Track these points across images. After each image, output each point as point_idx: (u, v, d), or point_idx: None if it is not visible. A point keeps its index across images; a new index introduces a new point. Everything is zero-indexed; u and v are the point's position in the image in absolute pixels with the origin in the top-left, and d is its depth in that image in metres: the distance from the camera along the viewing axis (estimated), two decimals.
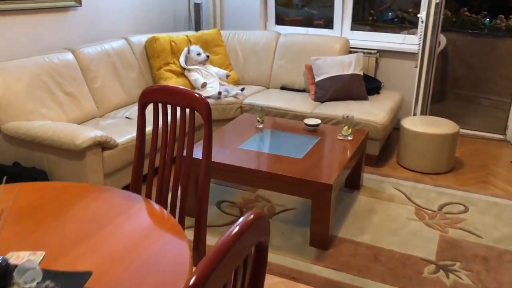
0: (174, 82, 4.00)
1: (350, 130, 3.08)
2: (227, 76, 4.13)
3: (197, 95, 1.66)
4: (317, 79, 4.03)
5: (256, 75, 4.46)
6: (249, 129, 3.25)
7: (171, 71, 4.04)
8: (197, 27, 4.83)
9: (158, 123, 1.80)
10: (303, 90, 4.27)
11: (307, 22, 4.95)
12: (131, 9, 4.27)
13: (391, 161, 3.86)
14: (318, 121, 3.24)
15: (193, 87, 4.05)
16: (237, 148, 2.90)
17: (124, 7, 4.18)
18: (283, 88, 4.34)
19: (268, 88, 4.43)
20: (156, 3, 4.57)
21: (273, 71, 4.42)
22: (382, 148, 3.89)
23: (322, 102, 3.96)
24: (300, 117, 3.77)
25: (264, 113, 3.28)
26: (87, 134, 2.72)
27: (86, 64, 3.49)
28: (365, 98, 3.97)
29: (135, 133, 2.14)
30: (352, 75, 3.95)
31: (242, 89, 4.09)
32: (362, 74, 4.01)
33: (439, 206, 3.11)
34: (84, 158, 2.71)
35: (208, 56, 4.11)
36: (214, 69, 4.16)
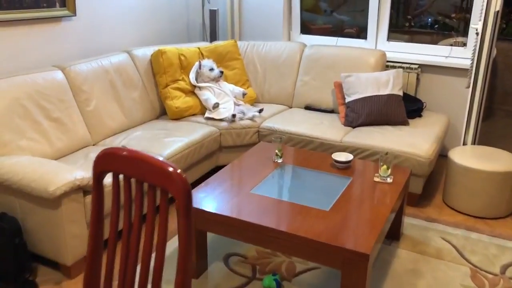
0: (182, 102, 3.48)
1: (389, 170, 2.49)
2: (244, 94, 3.58)
3: (170, 168, 1.11)
4: (348, 99, 3.44)
5: (277, 92, 3.90)
6: (265, 164, 2.70)
7: (179, 89, 3.52)
8: (213, 38, 4.30)
9: (119, 203, 1.26)
10: (331, 111, 3.68)
11: (337, 31, 4.36)
12: (136, 18, 3.77)
13: (436, 199, 3.24)
14: (350, 157, 2.66)
15: (205, 108, 3.52)
16: (248, 194, 2.35)
17: (127, 15, 3.69)
18: (308, 108, 3.77)
19: (291, 108, 3.87)
20: (166, 10, 4.06)
21: (297, 88, 3.85)
22: (425, 182, 3.28)
23: (353, 127, 3.37)
24: (327, 146, 3.19)
25: (283, 143, 2.72)
26: (64, 176, 2.21)
27: (78, 84, 3.00)
28: (405, 123, 3.36)
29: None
30: (390, 95, 3.35)
31: (260, 111, 3.54)
32: (401, 94, 3.40)
33: (502, 267, 2.48)
34: (60, 206, 2.21)
35: (221, 72, 3.57)
36: (229, 87, 3.62)
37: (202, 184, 2.43)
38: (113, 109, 3.19)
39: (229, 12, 4.38)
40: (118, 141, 3.05)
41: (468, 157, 3.02)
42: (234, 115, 3.37)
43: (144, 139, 3.05)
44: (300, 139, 3.28)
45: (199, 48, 3.76)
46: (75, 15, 3.22)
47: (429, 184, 3.45)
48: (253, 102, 3.82)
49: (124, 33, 3.68)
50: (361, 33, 4.16)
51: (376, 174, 2.56)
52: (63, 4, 3.15)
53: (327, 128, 3.31)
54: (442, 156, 3.81)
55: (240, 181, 2.48)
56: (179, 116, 3.48)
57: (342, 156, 2.68)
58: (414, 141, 3.05)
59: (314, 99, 3.76)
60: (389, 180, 2.50)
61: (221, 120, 3.39)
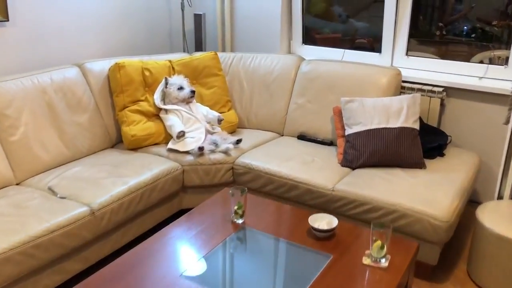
0: (140, 128, 2.82)
1: (385, 249, 1.75)
2: (220, 120, 2.88)
3: None
4: (348, 131, 2.70)
5: (266, 117, 3.18)
6: (219, 226, 2.00)
7: (140, 112, 2.86)
8: (198, 48, 3.63)
9: None
10: (330, 143, 2.94)
11: (347, 41, 3.60)
12: (102, 25, 3.14)
13: (457, 270, 2.45)
14: (333, 223, 1.93)
15: (171, 136, 2.84)
16: (176, 279, 1.65)
17: (88, 22, 3.06)
18: (301, 137, 3.04)
19: (282, 136, 3.14)
20: (142, 15, 3.41)
21: (290, 112, 3.12)
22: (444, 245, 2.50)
23: (352, 169, 2.62)
24: (315, 194, 2.46)
25: (244, 200, 2.01)
26: None
27: (0, 107, 2.38)
28: (421, 166, 2.58)
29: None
30: (402, 129, 2.58)
31: (238, 141, 2.83)
32: (417, 127, 2.62)
33: None
34: None
35: (193, 92, 2.89)
36: (202, 110, 2.93)
37: (117, 260, 1.75)
38: (48, 138, 2.56)
39: (219, 17, 3.70)
40: (47, 180, 2.41)
41: (504, 219, 2.23)
42: (201, 148, 2.68)
43: (79, 179, 2.40)
44: (282, 182, 2.56)
45: (170, 62, 3.09)
46: (8, 20, 2.60)
47: (449, 247, 2.66)
48: (235, 128, 3.12)
49: (82, 44, 3.05)
50: (375, 44, 3.39)
51: (366, 252, 1.82)
52: None
53: (318, 169, 2.57)
54: (471, 202, 3.00)
55: (170, 257, 1.79)
56: (136, 145, 2.82)
57: (323, 221, 1.95)
58: (431, 194, 2.27)
59: (310, 127, 3.02)
60: (383, 263, 1.75)
61: (186, 152, 2.71)
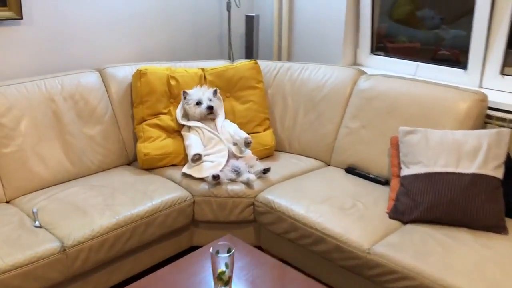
0: (156, 146, 2.44)
1: None
2: (247, 143, 2.40)
3: None
4: (404, 171, 2.07)
5: (311, 141, 2.64)
6: None
7: (159, 126, 2.48)
8: (249, 54, 3.18)
9: None
10: (385, 182, 2.32)
11: (427, 52, 2.91)
12: (130, 23, 2.83)
13: None
14: None
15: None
16: None
17: (116, 18, 2.75)
18: (350, 171, 2.45)
19: (328, 166, 2.58)
20: (183, 13, 3.05)
21: (339, 138, 2.55)
22: None
23: (404, 223, 1.99)
24: (346, 254, 1.88)
25: (231, 262, 1.52)
26: None
27: None
28: (500, 230, 1.88)
29: None
30: (477, 176, 1.90)
31: (265, 171, 2.33)
32: (499, 176, 1.92)
33: None
34: None
35: (210, 108, 2.44)
36: (230, 128, 2.47)
37: None
38: (50, 152, 2.28)
39: (276, 19, 3.21)
40: (38, 201, 2.12)
41: None
42: (215, 176, 2.22)
43: (69, 203, 2.07)
44: (307, 231, 2.01)
45: (203, 70, 2.67)
46: (21, 18, 2.36)
47: None
48: (271, 152, 2.61)
49: (109, 46, 2.75)
50: (462, 57, 2.67)
51: None
52: (3, 3, 2.31)
53: (357, 219, 1.98)
54: None
55: None
56: (150, 165, 2.44)
57: None
58: (508, 279, 1.59)
59: (362, 159, 2.42)
60: None
61: (201, 179, 2.27)
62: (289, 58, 3.26)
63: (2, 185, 2.15)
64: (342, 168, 2.51)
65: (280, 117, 2.72)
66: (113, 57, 2.77)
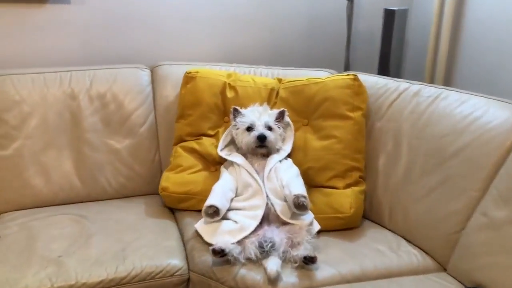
0: (182, 180, 1.73)
1: None
2: (298, 205, 1.48)
3: None
4: None
5: (424, 220, 1.55)
6: None
7: (196, 153, 1.78)
8: (384, 67, 2.19)
9: None
10: None
11: None
12: (215, 14, 2.17)
13: None
14: None
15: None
16: None
17: (196, 9, 2.13)
18: None
19: (442, 272, 1.47)
20: (293, 7, 2.25)
21: (469, 230, 1.41)
22: None
23: None
24: None
25: None
26: None
27: None
28: None
29: None
30: None
31: (307, 260, 1.39)
32: None
33: None
34: None
35: (261, 139, 1.60)
36: (284, 174, 1.60)
37: None
38: (56, 162, 1.81)
39: (436, 19, 2.13)
40: (17, 222, 1.66)
41: None
42: (217, 251, 1.39)
43: (29, 238, 1.55)
44: None
45: (279, 81, 1.84)
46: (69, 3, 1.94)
47: None
48: (350, 223, 1.62)
49: (181, 40, 2.16)
50: None
51: None
52: None
53: None
54: None
55: None
56: (170, 204, 1.76)
57: None
58: None
59: (501, 279, 1.26)
60: None
61: (209, 245, 1.47)
62: (447, 82, 2.14)
63: None
64: (461, 284, 1.38)
65: (384, 168, 1.69)
66: (183, 54, 2.15)
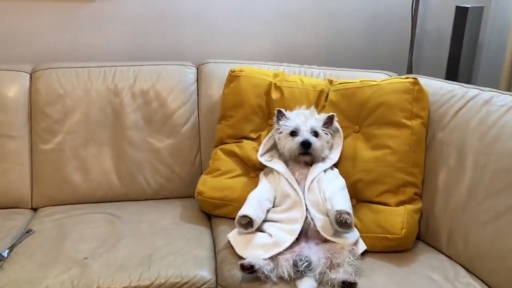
0: (219, 185, 1.63)
1: None
2: (340, 221, 1.32)
3: None
4: None
5: (488, 249, 1.33)
6: None
7: (236, 156, 1.67)
8: (452, 71, 1.98)
9: None
10: None
11: None
12: (271, 8, 2.06)
13: None
14: None
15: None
16: None
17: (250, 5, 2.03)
18: None
19: None
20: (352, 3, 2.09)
21: None
22: None
23: None
24: None
25: None
26: None
27: (42, 101, 1.75)
28: None
29: None
30: None
31: (346, 285, 1.23)
32: None
33: None
34: None
35: (305, 146, 1.45)
36: (328, 186, 1.44)
37: None
38: (96, 159, 1.77)
39: None
40: (53, 218, 1.64)
41: None
42: (246, 267, 1.26)
43: (59, 237, 1.51)
44: None
45: (330, 83, 1.68)
46: None
47: None
48: (398, 246, 1.44)
49: (232, 38, 2.07)
50: None
51: None
52: None
53: None
54: None
55: None
56: (207, 210, 1.66)
57: None
58: None
59: None
60: None
61: (240, 257, 1.35)
62: None
63: (32, 188, 1.75)
64: None
65: (445, 186, 1.49)
66: (232, 52, 2.06)
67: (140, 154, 1.79)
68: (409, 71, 2.05)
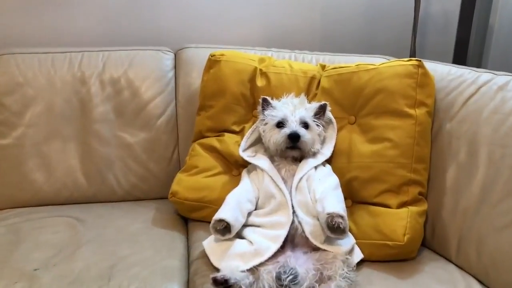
0: (195, 185, 1.43)
1: None
2: (332, 226, 1.13)
3: None
4: None
5: (505, 256, 1.13)
6: None
7: (216, 152, 1.47)
8: (461, 55, 1.78)
9: None
10: None
11: None
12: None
13: None
14: None
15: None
16: None
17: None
18: None
19: None
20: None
21: None
22: None
23: None
24: None
25: None
26: None
27: (1, 90, 1.55)
28: None
29: None
30: None
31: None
32: None
33: None
34: None
35: (293, 138, 1.26)
36: (318, 185, 1.24)
37: None
38: (60, 155, 1.58)
39: None
40: (7, 222, 1.44)
41: None
42: (222, 282, 1.06)
43: (9, 243, 1.32)
44: None
45: (322, 68, 1.49)
46: None
47: None
48: (401, 254, 1.24)
49: (215, 22, 1.87)
50: None
51: None
52: None
53: None
54: None
55: None
56: (183, 213, 1.47)
57: None
58: None
59: None
60: None
61: (215, 269, 1.15)
62: None
63: None
64: None
65: (454, 184, 1.28)
66: (216, 37, 1.86)
67: (110, 150, 1.59)
68: (413, 57, 1.85)
